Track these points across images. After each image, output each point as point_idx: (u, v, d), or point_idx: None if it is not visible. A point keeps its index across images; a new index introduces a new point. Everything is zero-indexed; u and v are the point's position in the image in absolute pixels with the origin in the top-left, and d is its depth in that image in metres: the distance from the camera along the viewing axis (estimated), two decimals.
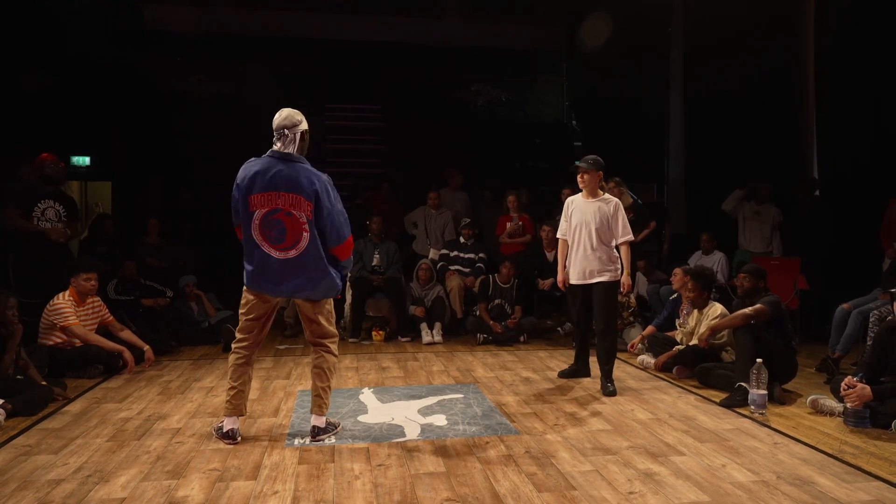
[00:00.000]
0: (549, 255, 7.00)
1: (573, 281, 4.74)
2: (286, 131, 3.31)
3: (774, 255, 6.84)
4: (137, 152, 9.00)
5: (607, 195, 4.71)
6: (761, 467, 3.10)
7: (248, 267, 3.34)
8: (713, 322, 4.82)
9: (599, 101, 9.67)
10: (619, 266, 4.65)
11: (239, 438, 3.44)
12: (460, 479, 2.97)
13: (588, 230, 4.61)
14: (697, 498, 2.76)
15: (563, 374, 4.98)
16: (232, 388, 3.44)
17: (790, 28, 7.69)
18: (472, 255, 7.11)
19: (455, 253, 7.14)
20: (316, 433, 3.49)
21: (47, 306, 4.91)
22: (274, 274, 3.29)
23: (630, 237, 4.63)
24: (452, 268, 7.05)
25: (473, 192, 8.45)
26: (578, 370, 4.96)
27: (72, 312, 4.90)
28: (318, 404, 3.51)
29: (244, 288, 3.42)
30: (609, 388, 4.48)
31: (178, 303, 6.53)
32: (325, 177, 3.34)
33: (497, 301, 6.54)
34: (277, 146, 3.33)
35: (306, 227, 3.25)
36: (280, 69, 9.65)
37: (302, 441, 3.47)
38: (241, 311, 3.45)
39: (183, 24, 9.50)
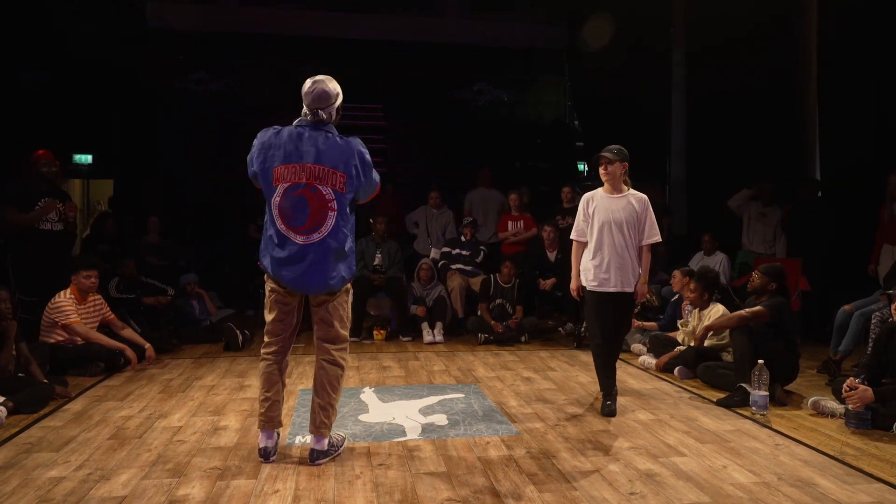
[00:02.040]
0: (551, 256, 7.01)
1: (596, 288, 4.02)
2: (321, 113, 2.93)
3: (777, 257, 6.83)
4: (138, 150, 9.01)
5: (632, 190, 4.11)
6: (762, 468, 3.10)
7: (267, 250, 2.97)
8: (710, 321, 4.82)
9: (601, 100, 9.67)
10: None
11: (273, 458, 3.16)
12: (461, 478, 2.97)
13: (619, 230, 3.99)
14: (698, 499, 2.75)
15: (609, 414, 4.01)
16: (265, 398, 3.13)
17: (792, 28, 7.68)
18: (470, 253, 7.11)
19: (456, 251, 7.14)
20: (315, 456, 3.12)
21: (49, 304, 4.91)
22: (292, 260, 2.89)
23: (658, 238, 4.06)
24: (454, 267, 7.05)
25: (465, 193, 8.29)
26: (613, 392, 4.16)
27: (73, 310, 4.90)
28: (316, 422, 3.10)
29: (265, 277, 3.07)
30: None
31: (179, 301, 6.53)
32: (358, 144, 2.98)
33: (498, 301, 6.53)
34: (308, 119, 2.98)
35: (333, 204, 2.86)
36: (281, 67, 9.67)
37: (303, 440, 3.46)
38: (264, 311, 3.15)
39: (184, 21, 9.53)
